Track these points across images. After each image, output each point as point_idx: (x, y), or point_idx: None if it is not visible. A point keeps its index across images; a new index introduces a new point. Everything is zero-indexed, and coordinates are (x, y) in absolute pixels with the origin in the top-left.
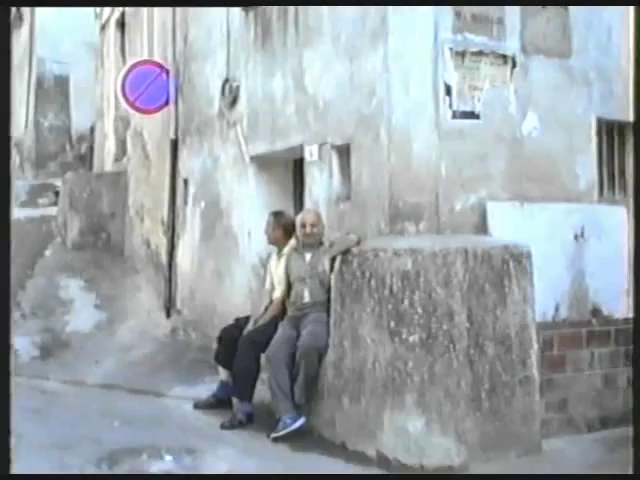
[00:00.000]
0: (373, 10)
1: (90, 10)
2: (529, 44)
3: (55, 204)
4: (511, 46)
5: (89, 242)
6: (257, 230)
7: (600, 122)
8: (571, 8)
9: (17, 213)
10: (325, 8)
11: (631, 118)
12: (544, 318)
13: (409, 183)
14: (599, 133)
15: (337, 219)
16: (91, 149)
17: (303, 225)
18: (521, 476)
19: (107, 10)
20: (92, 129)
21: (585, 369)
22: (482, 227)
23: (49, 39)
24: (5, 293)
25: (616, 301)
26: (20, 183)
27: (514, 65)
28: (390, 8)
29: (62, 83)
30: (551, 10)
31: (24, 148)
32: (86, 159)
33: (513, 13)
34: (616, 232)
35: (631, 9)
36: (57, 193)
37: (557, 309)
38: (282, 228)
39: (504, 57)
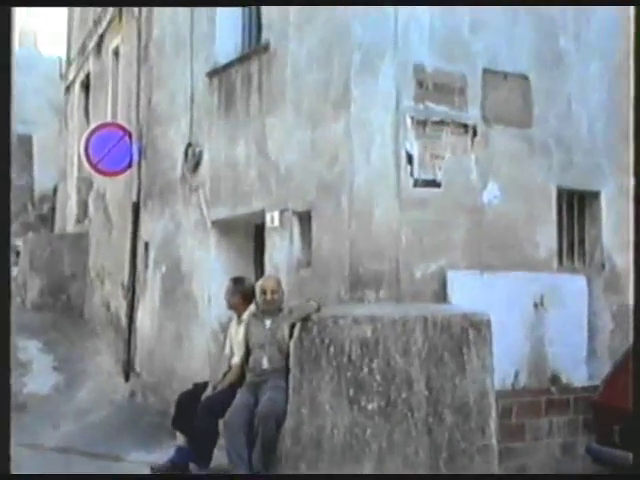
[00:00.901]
0: (336, 78)
1: (55, 71)
2: (490, 114)
3: (15, 264)
4: (472, 115)
5: (49, 303)
6: (217, 295)
7: (560, 191)
8: (531, 78)
9: None
10: (288, 74)
11: (591, 187)
12: (503, 386)
13: (370, 250)
14: (559, 202)
15: (297, 285)
16: (53, 210)
17: (263, 292)
18: (521, 476)
19: (72, 71)
20: (55, 190)
21: (544, 437)
22: (442, 295)
23: (13, 98)
24: (5, 292)
25: (575, 369)
26: None
27: (475, 134)
28: (352, 75)
29: (26, 143)
30: (512, 80)
31: None
32: (48, 219)
33: (475, 83)
34: (576, 300)
35: (631, 9)
36: (18, 253)
37: (516, 377)
38: (242, 294)
39: (465, 126)
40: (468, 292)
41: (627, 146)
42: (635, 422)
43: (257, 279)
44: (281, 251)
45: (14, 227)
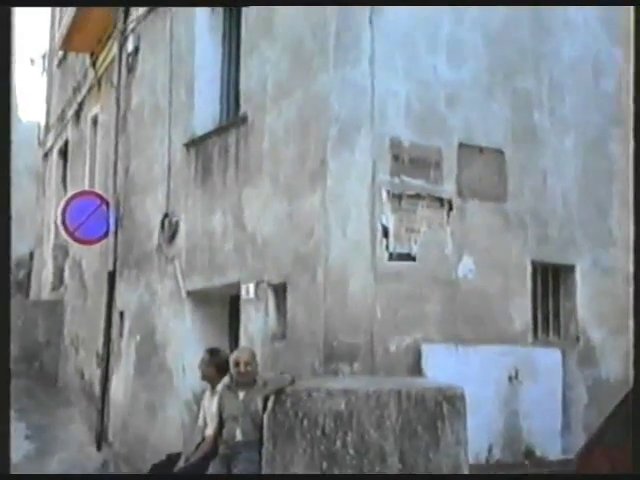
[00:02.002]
0: (313, 151)
1: (34, 137)
2: (466, 188)
3: None
4: (448, 189)
5: (22, 370)
6: (192, 365)
7: (535, 265)
8: (506, 153)
9: None
10: (265, 146)
11: (566, 261)
12: (477, 459)
13: (344, 323)
14: (534, 275)
15: (272, 357)
16: (29, 275)
17: (237, 364)
18: (521, 476)
19: (51, 138)
20: (31, 255)
21: None
22: (416, 368)
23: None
24: (5, 292)
25: (550, 442)
26: None
27: (451, 208)
28: (329, 149)
29: None
30: (487, 155)
31: None
32: (23, 285)
33: (450, 157)
34: (550, 374)
35: (631, 9)
36: None
37: (490, 450)
38: (217, 365)
39: (441, 200)
40: (443, 365)
41: (602, 219)
42: (635, 422)
43: (232, 350)
44: (256, 323)
45: None
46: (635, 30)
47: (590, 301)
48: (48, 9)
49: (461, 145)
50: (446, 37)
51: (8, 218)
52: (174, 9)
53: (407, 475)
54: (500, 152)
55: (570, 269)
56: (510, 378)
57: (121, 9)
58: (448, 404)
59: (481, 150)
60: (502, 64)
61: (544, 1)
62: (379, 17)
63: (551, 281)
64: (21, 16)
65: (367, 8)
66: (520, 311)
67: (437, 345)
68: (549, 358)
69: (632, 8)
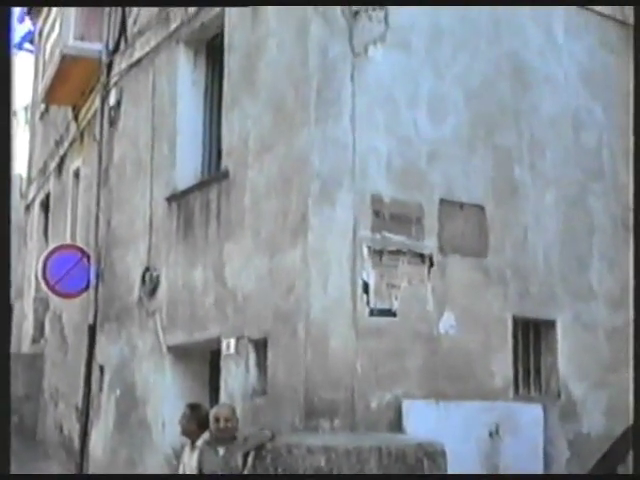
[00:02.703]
0: (294, 206)
1: (16, 189)
2: (446, 243)
3: None
4: (429, 245)
5: None
6: (171, 421)
7: (516, 320)
8: (487, 209)
9: None
10: (247, 201)
11: (547, 316)
12: None
13: (325, 379)
14: (515, 331)
15: (252, 413)
16: None
17: (217, 419)
18: (521, 476)
19: (32, 191)
20: (11, 308)
21: None
22: (397, 424)
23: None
24: (5, 292)
25: None
26: None
27: (432, 264)
28: (310, 204)
29: None
30: (468, 210)
31: None
32: None
33: (431, 213)
34: (531, 429)
35: (631, 9)
36: None
37: None
38: (197, 421)
39: (422, 256)
40: (424, 421)
41: (583, 274)
42: (635, 422)
43: (212, 406)
44: (236, 378)
45: None
46: (635, 30)
47: (571, 356)
48: (31, 61)
49: (442, 201)
50: (427, 93)
51: (8, 220)
52: (156, 62)
53: (408, 475)
54: (481, 207)
55: (551, 324)
56: (491, 434)
57: (104, 63)
58: (429, 460)
59: (462, 206)
60: (483, 120)
61: (544, 1)
62: (360, 73)
63: (532, 336)
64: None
65: (348, 63)
66: (501, 366)
67: (418, 401)
68: (530, 413)
69: (631, 8)
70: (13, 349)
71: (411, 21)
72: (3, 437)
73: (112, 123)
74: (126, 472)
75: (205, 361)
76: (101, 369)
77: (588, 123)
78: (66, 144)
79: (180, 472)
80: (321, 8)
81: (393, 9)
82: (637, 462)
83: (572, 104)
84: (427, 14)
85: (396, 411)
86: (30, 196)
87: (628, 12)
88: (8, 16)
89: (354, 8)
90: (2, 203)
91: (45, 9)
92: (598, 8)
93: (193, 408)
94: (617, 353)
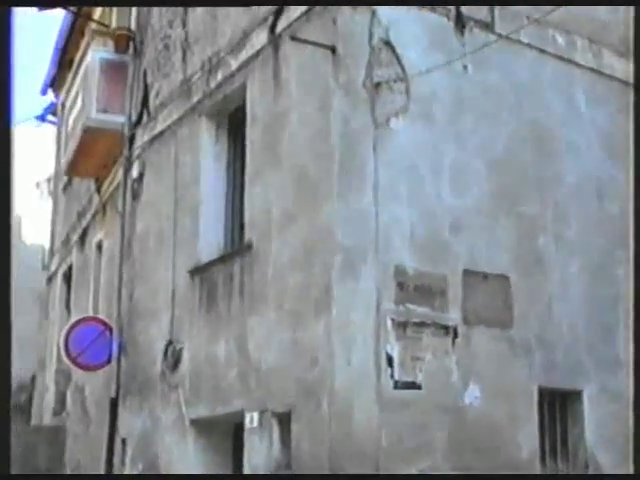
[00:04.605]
0: (318, 279)
1: (38, 260)
2: (471, 314)
3: None
4: (453, 317)
5: None
6: None
7: (542, 391)
8: (511, 278)
9: None
10: (270, 274)
11: (574, 386)
12: None
13: (350, 452)
14: (541, 402)
15: None
16: (30, 400)
17: None
18: (521, 476)
19: (55, 262)
20: (33, 379)
21: None
22: None
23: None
24: (5, 293)
25: None
26: None
27: (456, 335)
28: (333, 277)
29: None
30: (492, 281)
31: None
32: (25, 410)
33: (455, 284)
34: None
35: (631, 9)
36: None
37: None
38: None
39: (446, 327)
40: None
41: (609, 344)
42: (635, 421)
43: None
44: (260, 452)
45: None
46: (635, 30)
47: (598, 426)
48: (54, 133)
49: (466, 271)
50: (449, 163)
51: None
52: (179, 135)
53: (408, 475)
54: (505, 277)
55: (577, 394)
56: None
57: (126, 135)
58: None
59: (486, 276)
60: (506, 189)
61: (545, 1)
62: (383, 144)
63: (558, 407)
64: (27, 139)
65: (371, 135)
66: (528, 438)
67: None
68: None
69: (631, 8)
70: (35, 421)
71: (432, 91)
72: (3, 437)
73: (135, 196)
74: None
75: (228, 435)
76: (123, 442)
77: (611, 191)
78: (88, 216)
79: None
80: (342, 80)
81: (415, 80)
82: (637, 462)
83: (595, 171)
84: (449, 84)
85: None
86: (52, 268)
87: None
88: (8, 16)
89: (375, 79)
90: (3, 201)
91: (68, 82)
92: (619, 74)
93: None
94: None
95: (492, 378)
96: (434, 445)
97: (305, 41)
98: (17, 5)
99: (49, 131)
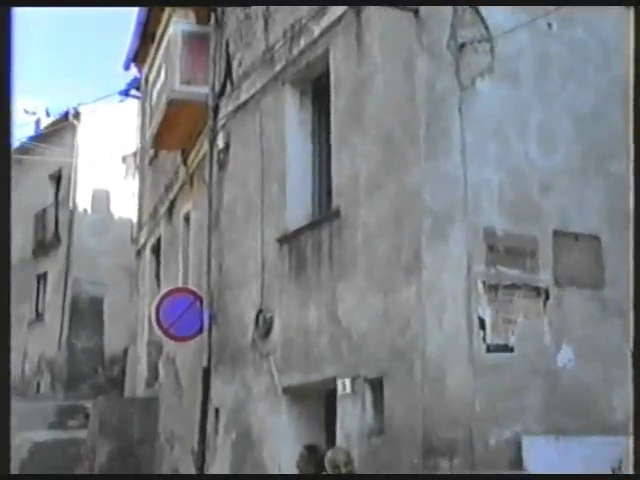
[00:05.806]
0: (407, 244)
1: (127, 234)
2: (562, 276)
3: (85, 427)
4: (544, 278)
5: (117, 467)
6: (288, 463)
7: None
8: (603, 239)
9: (45, 435)
10: (359, 240)
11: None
12: None
13: (443, 418)
14: (635, 364)
15: (369, 453)
16: (123, 372)
17: (336, 466)
18: (521, 476)
19: (143, 235)
20: (125, 352)
21: None
22: (517, 462)
23: (86, 261)
24: (5, 293)
25: None
26: (50, 404)
27: (547, 297)
28: (423, 241)
29: (97, 304)
30: (583, 241)
31: (56, 368)
32: (118, 382)
33: (545, 245)
34: None
35: (631, 9)
36: (87, 416)
37: None
38: (315, 463)
39: (537, 289)
40: (544, 458)
41: None
42: (635, 423)
43: (328, 446)
44: (353, 418)
45: (84, 389)
46: (635, 30)
47: None
48: (138, 108)
49: (556, 232)
50: (536, 123)
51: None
52: (263, 104)
53: (408, 475)
54: (596, 238)
55: None
56: (613, 470)
57: (211, 106)
58: None
59: (577, 237)
60: (594, 148)
61: (546, 1)
62: (468, 106)
63: None
64: (111, 114)
65: (456, 97)
66: (622, 400)
67: (538, 437)
68: None
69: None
70: (128, 393)
71: (517, 50)
72: (3, 437)
73: (221, 166)
74: None
75: (321, 402)
76: (216, 412)
77: None
78: (176, 188)
79: None
80: (426, 42)
81: (499, 39)
82: (637, 462)
83: None
84: (534, 42)
85: (516, 448)
86: (141, 241)
87: None
88: (8, 16)
89: (460, 40)
90: (3, 198)
91: (150, 56)
92: None
93: (310, 450)
94: None
95: (585, 340)
96: (528, 408)
97: (388, 4)
98: (17, 5)
99: (133, 106)
